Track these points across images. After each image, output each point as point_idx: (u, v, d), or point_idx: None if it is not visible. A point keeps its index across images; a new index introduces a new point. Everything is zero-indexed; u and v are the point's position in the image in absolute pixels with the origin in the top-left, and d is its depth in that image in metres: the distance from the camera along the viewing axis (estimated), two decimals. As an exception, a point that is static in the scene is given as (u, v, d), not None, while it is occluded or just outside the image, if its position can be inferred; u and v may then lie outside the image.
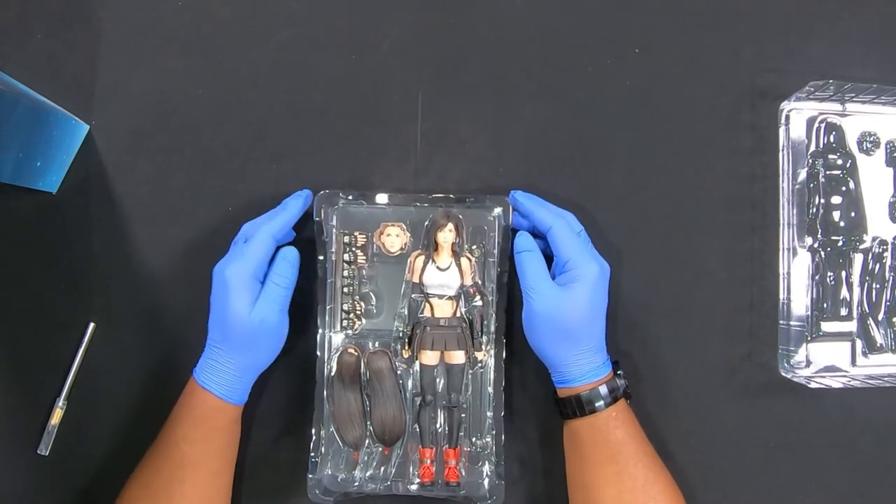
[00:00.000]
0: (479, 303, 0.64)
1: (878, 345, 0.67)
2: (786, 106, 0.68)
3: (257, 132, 0.68)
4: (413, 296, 0.64)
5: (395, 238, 0.65)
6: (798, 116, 0.68)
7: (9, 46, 0.68)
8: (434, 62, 0.69)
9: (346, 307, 0.65)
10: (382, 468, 0.65)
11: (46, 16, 0.68)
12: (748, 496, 0.68)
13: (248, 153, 0.68)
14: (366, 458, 0.65)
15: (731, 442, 0.68)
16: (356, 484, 0.64)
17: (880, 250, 0.68)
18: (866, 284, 0.68)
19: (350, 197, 0.64)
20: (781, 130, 0.68)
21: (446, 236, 0.63)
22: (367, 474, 0.64)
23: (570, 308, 0.59)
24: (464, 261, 0.64)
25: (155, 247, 0.67)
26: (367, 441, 0.64)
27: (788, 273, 0.67)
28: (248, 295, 0.59)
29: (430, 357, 0.64)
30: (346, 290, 0.65)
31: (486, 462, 0.65)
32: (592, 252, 0.62)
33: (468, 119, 0.69)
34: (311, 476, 0.63)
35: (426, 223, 0.64)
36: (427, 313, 0.64)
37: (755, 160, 0.69)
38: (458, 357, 0.64)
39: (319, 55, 0.68)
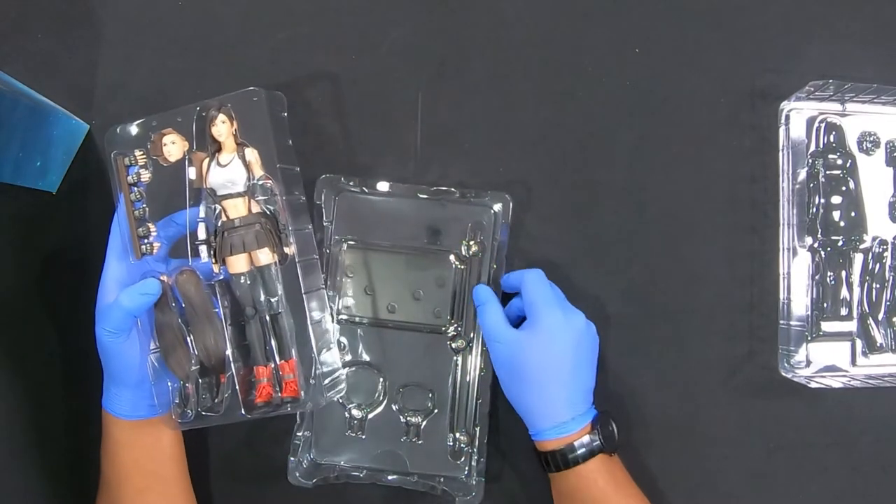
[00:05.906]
0: (278, 193, 0.58)
1: (878, 345, 0.67)
2: (786, 106, 0.68)
3: (257, 132, 0.68)
4: (208, 203, 0.58)
5: (172, 146, 0.59)
6: (798, 116, 0.68)
7: (9, 46, 0.68)
8: (434, 62, 0.69)
9: (141, 231, 0.59)
10: (221, 398, 0.59)
11: (46, 16, 0.68)
12: (748, 496, 0.68)
13: (248, 153, 0.68)
14: (206, 394, 0.59)
15: (731, 442, 0.68)
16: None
17: (880, 250, 0.68)
18: (866, 284, 0.68)
19: (351, 183, 0.64)
20: (781, 130, 0.68)
21: (220, 129, 0.57)
22: (207, 406, 0.59)
23: (528, 351, 0.58)
24: (248, 152, 0.58)
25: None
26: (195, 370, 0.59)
27: (788, 273, 0.67)
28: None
29: (236, 264, 0.58)
30: (137, 213, 0.59)
31: (467, 458, 0.65)
32: (560, 302, 0.61)
33: (468, 119, 0.69)
34: (292, 459, 0.63)
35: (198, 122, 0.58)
36: (224, 218, 0.58)
37: (755, 160, 0.69)
38: (264, 257, 0.58)
39: (319, 55, 0.68)
